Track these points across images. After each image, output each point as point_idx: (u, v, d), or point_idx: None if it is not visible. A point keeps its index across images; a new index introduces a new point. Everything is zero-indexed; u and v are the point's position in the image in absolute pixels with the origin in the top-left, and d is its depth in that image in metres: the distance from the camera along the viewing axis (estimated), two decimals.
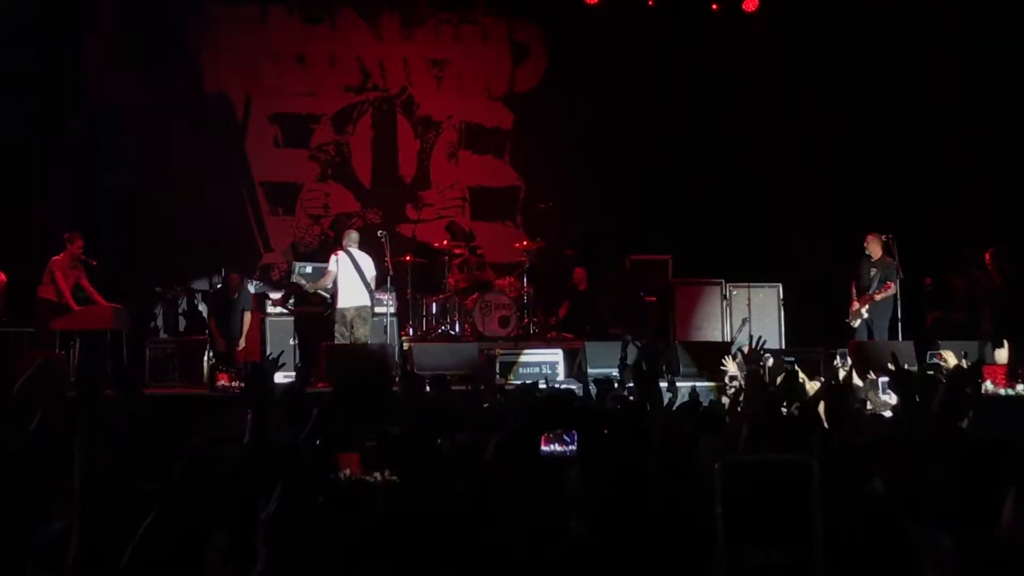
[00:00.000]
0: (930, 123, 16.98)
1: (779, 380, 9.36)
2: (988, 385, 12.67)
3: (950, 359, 12.37)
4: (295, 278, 16.39)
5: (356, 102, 19.50)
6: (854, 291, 15.85)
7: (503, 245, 18.40)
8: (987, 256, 15.73)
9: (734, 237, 17.50)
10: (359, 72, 19.48)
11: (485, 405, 8.87)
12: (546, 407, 6.89)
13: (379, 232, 16.40)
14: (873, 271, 15.64)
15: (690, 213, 18.01)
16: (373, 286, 15.52)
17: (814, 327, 16.08)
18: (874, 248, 15.73)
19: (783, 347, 15.91)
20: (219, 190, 18.43)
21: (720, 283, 17.18)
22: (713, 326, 17.02)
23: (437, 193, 19.67)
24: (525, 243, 17.44)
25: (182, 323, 17.55)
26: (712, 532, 3.87)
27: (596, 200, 18.72)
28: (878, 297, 15.50)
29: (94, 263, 14.77)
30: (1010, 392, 12.77)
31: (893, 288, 15.48)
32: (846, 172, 17.52)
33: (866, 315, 15.64)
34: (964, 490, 4.61)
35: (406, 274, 16.79)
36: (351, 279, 15.40)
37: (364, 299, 15.40)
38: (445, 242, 17.61)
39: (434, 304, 17.04)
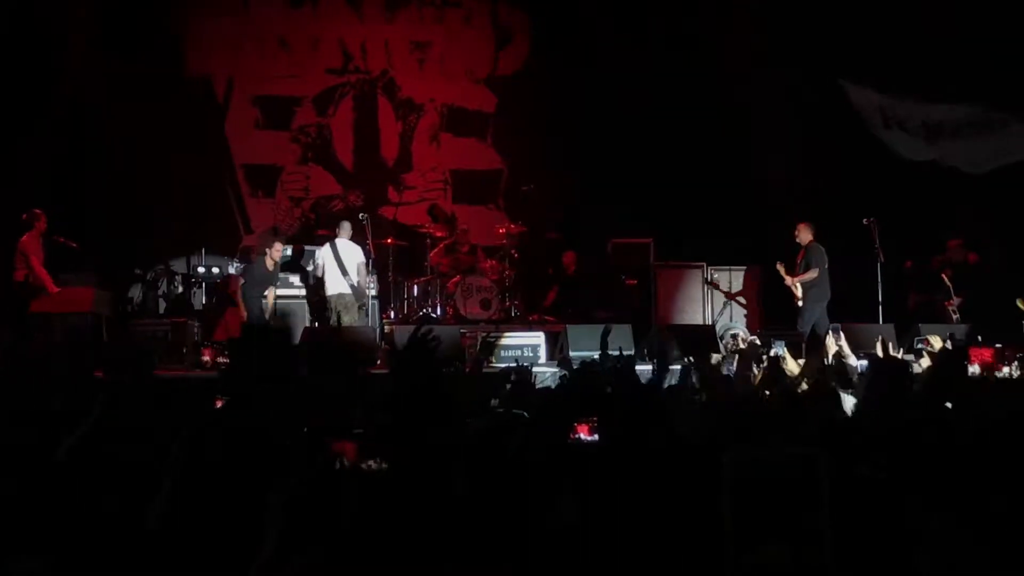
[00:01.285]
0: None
1: (761, 367, 9.41)
2: (975, 368, 12.70)
3: (936, 343, 12.39)
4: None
5: (337, 84, 19.46)
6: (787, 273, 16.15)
7: (485, 228, 18.40)
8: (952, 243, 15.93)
9: (716, 220, 17.47)
10: (341, 54, 19.45)
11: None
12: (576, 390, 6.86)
13: (360, 215, 16.39)
14: (798, 257, 15.86)
15: (672, 196, 17.99)
16: (357, 275, 15.47)
17: (795, 309, 16.07)
18: (804, 235, 15.88)
19: (763, 328, 15.98)
20: (200, 172, 18.40)
21: (701, 266, 17.24)
22: (695, 309, 17.08)
23: (419, 176, 19.65)
24: (507, 226, 17.46)
25: (162, 305, 17.50)
26: (720, 527, 3.87)
27: (578, 183, 18.72)
28: (787, 280, 15.73)
29: (75, 245, 14.72)
30: (997, 375, 12.77)
31: (810, 274, 15.62)
32: (830, 154, 17.51)
33: (798, 292, 15.82)
34: (953, 473, 4.63)
35: (387, 257, 16.79)
36: (332, 268, 15.45)
37: (343, 287, 15.40)
38: (426, 225, 17.67)
39: (415, 287, 17.06)
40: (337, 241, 15.61)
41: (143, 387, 6.44)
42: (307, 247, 16.83)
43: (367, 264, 15.76)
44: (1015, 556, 4.26)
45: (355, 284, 15.46)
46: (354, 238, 16.02)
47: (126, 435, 5.19)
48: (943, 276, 15.98)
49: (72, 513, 4.66)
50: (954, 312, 15.82)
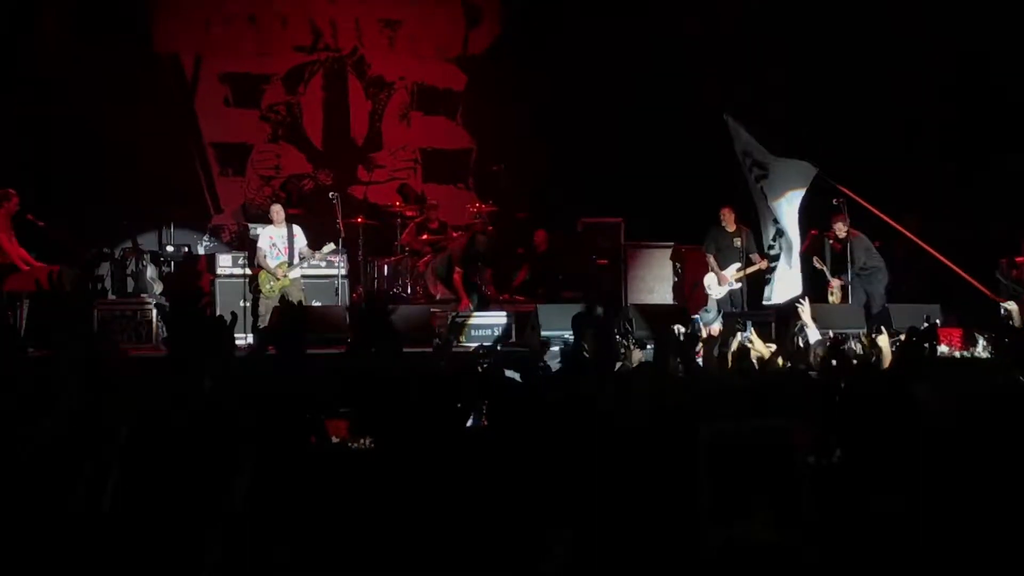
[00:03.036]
0: (880, 85, 17.01)
1: (731, 353, 9.41)
2: (943, 348, 12.71)
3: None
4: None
5: (307, 62, 19.34)
6: (714, 262, 15.94)
7: (455, 207, 18.36)
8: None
9: (686, 200, 17.41)
10: (310, 32, 19.31)
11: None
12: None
13: (330, 193, 16.34)
14: (738, 241, 15.79)
15: (643, 176, 17.97)
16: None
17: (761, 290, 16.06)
18: (729, 220, 15.88)
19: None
20: (168, 150, 18.30)
21: (671, 246, 17.23)
22: (665, 288, 17.09)
23: (389, 155, 19.57)
24: (477, 205, 17.43)
25: (130, 284, 17.36)
26: (697, 505, 3.85)
27: (548, 163, 18.66)
28: (765, 266, 15.64)
29: (42, 224, 14.64)
30: (965, 355, 12.78)
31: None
32: (798, 132, 17.48)
33: (737, 285, 15.76)
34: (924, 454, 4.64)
35: (357, 236, 16.74)
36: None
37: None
38: (397, 204, 17.63)
39: (385, 266, 17.04)
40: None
41: (101, 365, 6.40)
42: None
43: (338, 242, 15.66)
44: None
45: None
46: (325, 216, 16.07)
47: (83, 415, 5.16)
48: (814, 261, 15.94)
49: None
50: (831, 294, 15.73)
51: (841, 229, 15.55)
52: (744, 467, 3.93)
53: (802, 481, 3.93)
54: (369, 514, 4.35)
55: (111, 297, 16.45)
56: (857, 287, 15.65)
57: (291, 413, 5.55)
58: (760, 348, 10.50)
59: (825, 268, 15.74)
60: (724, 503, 3.91)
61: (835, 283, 15.68)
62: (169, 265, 17.02)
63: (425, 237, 17.14)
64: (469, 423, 5.98)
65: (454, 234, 17.27)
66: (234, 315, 8.87)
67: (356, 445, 5.73)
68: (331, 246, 15.43)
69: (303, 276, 15.57)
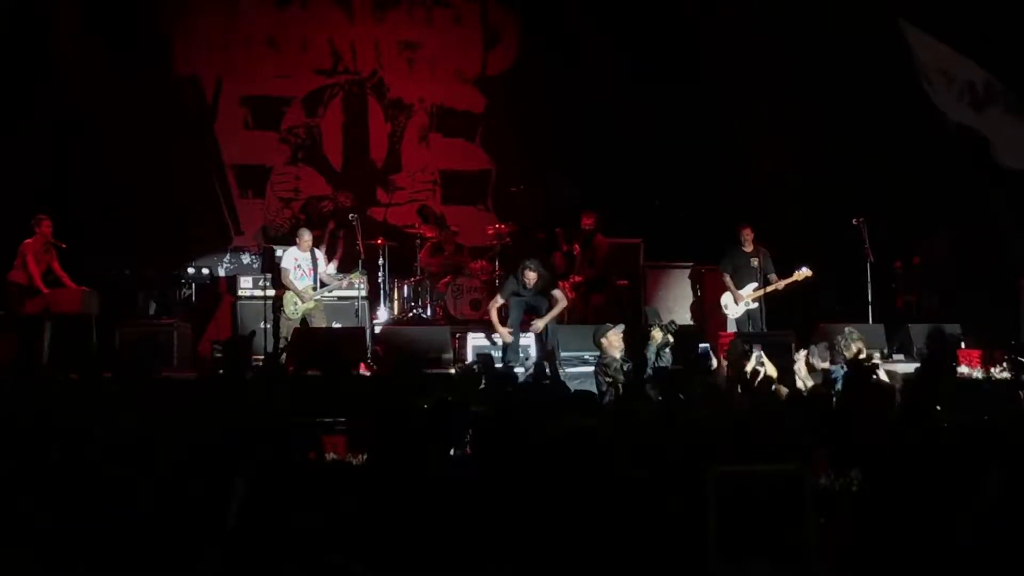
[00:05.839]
0: (901, 101, 16.97)
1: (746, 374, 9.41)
2: (963, 368, 12.68)
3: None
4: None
5: (327, 85, 19.43)
6: (730, 281, 15.87)
7: (474, 228, 18.38)
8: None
9: (705, 220, 17.42)
10: (330, 55, 19.41)
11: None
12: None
13: (350, 215, 16.39)
14: (755, 261, 15.69)
15: (662, 195, 17.99)
16: None
17: (784, 310, 16.04)
18: (747, 240, 15.87)
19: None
20: (189, 172, 18.40)
21: (691, 266, 17.21)
22: (685, 309, 17.07)
23: (408, 176, 19.61)
24: (496, 226, 17.44)
25: (152, 307, 17.42)
26: (704, 544, 3.85)
27: (567, 183, 18.67)
28: (783, 286, 15.54)
29: (64, 246, 14.72)
30: (985, 375, 12.75)
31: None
32: (819, 152, 17.46)
33: (754, 305, 15.68)
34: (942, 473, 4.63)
35: (377, 257, 16.76)
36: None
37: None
38: (416, 226, 17.65)
39: (406, 287, 17.05)
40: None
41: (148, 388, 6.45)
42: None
43: (359, 264, 15.68)
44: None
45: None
46: (346, 238, 16.15)
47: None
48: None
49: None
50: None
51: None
52: (753, 509, 3.93)
53: (811, 524, 3.92)
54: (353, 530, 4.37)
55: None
56: None
57: (289, 429, 5.60)
58: (771, 371, 10.51)
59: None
60: (733, 544, 3.91)
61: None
62: (190, 286, 17.09)
63: (443, 258, 17.17)
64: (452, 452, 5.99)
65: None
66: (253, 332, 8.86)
67: (355, 461, 5.75)
68: (356, 274, 15.44)
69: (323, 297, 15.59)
